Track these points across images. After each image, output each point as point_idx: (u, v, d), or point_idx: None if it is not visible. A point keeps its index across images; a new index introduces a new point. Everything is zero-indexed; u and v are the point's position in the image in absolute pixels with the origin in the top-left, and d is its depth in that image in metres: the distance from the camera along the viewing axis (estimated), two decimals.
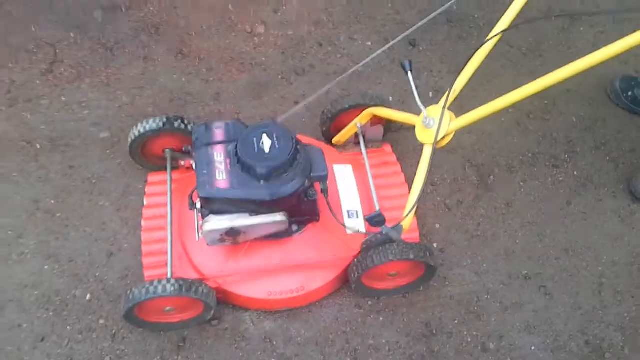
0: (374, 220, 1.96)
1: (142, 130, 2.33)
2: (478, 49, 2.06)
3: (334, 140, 2.57)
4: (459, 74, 2.07)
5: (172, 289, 1.99)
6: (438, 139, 2.05)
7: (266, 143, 2.02)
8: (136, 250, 2.37)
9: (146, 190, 2.49)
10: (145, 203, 2.44)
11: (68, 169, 2.65)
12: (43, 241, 2.46)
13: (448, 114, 2.08)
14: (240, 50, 3.05)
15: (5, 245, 2.44)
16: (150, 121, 2.33)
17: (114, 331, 2.23)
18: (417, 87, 2.12)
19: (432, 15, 2.89)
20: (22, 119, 2.78)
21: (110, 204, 2.55)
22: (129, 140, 2.37)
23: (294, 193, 2.03)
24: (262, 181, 2.00)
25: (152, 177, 2.52)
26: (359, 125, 2.45)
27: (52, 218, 2.52)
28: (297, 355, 2.20)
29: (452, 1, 2.88)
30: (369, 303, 2.32)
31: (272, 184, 2.00)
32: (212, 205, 2.07)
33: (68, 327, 2.25)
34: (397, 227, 2.08)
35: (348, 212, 2.35)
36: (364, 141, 2.53)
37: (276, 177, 2.00)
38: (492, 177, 2.66)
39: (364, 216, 1.97)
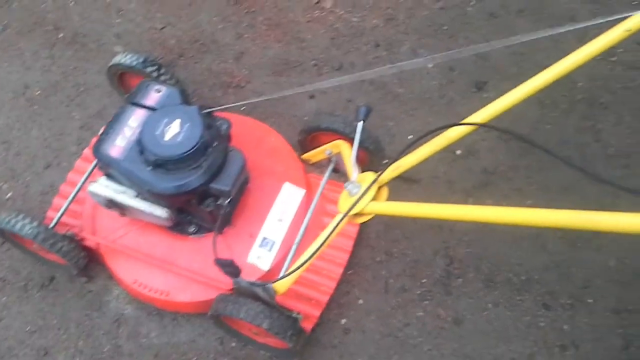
0: (225, 267, 1.63)
1: (116, 61, 2.20)
2: (446, 128, 1.55)
3: (302, 156, 2.20)
4: (410, 148, 1.58)
5: (30, 232, 1.88)
6: (352, 211, 1.62)
7: (172, 130, 1.76)
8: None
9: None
10: (100, 132, 2.33)
11: (70, 68, 2.64)
12: (8, 125, 2.49)
13: (377, 190, 1.63)
14: (292, 18, 2.72)
15: None
16: (129, 55, 2.19)
17: (3, 241, 2.21)
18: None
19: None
20: (65, 4, 2.80)
21: (80, 118, 2.50)
22: (109, 64, 2.26)
23: (176, 194, 1.76)
24: (149, 167, 1.77)
25: None
26: (328, 152, 2.07)
27: (29, 108, 2.54)
28: (131, 355, 2.01)
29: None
30: (232, 344, 2.02)
31: (157, 174, 1.76)
32: (107, 168, 1.89)
33: None
34: (267, 287, 1.73)
35: (263, 239, 2.03)
36: (333, 170, 2.14)
37: (164, 169, 1.75)
38: (460, 280, 2.11)
39: (216, 258, 1.64)
